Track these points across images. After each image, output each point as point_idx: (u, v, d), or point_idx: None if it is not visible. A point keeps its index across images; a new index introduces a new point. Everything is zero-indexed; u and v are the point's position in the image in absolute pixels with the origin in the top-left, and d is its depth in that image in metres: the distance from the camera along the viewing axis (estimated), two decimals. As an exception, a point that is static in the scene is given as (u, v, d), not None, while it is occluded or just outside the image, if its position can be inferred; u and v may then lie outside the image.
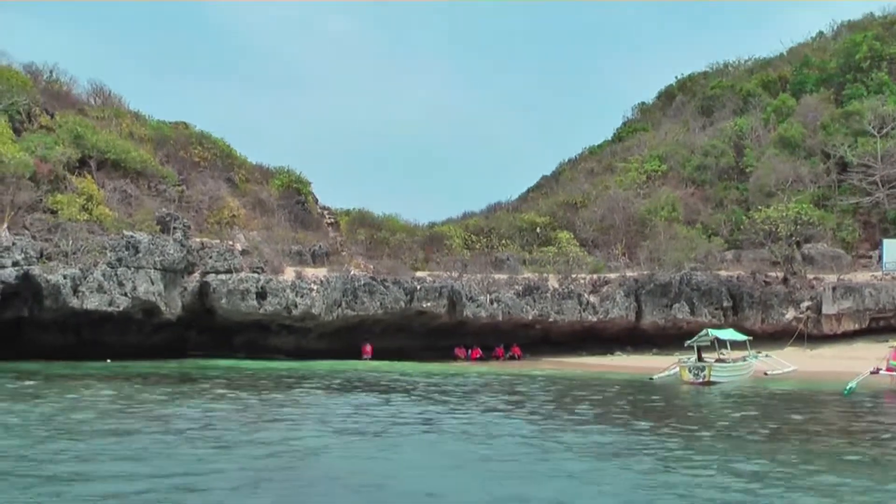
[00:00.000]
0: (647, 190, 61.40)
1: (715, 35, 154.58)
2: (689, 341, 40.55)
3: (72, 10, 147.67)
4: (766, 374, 40.33)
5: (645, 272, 53.82)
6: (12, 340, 44.62)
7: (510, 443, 19.65)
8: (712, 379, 37.18)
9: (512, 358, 52.57)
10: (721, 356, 40.73)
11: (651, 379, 38.60)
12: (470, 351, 52.66)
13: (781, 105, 65.09)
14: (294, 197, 56.32)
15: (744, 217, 56.23)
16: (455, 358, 51.92)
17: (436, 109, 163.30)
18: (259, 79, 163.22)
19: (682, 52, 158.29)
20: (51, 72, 57.33)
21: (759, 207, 55.44)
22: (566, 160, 79.42)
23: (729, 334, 41.85)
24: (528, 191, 77.60)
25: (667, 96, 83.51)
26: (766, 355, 42.87)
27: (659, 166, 63.39)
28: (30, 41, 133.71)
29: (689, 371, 37.94)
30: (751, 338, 43.79)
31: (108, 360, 43.08)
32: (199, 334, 49.77)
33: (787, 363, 42.62)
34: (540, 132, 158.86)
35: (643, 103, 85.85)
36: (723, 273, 53.80)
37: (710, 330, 40.98)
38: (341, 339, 51.58)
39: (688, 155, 64.56)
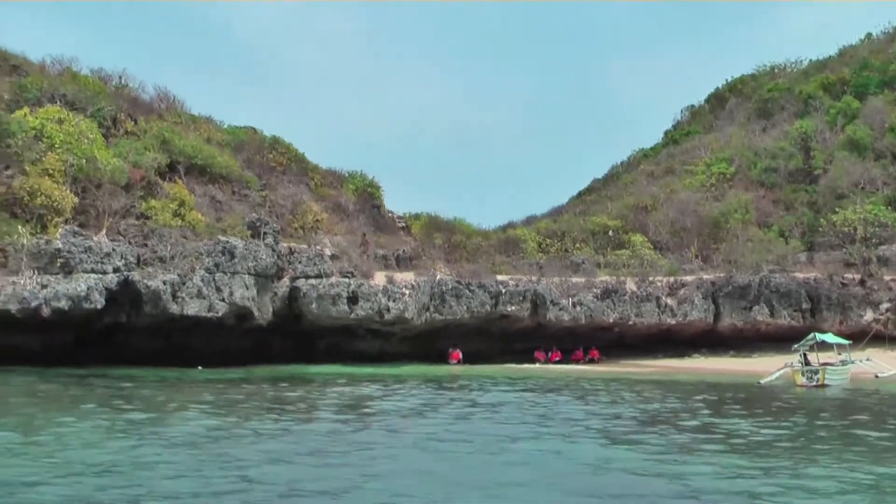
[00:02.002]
0: (715, 193, 61.45)
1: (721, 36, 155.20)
2: (796, 345, 40.62)
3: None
4: (876, 376, 40.32)
5: (721, 275, 53.93)
6: (103, 345, 44.71)
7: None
8: (826, 382, 37.27)
9: (591, 361, 52.67)
10: (812, 358, 40.77)
11: (759, 383, 38.59)
12: (550, 354, 52.63)
13: (846, 107, 65.20)
14: (369, 201, 56.39)
15: (822, 219, 56.27)
16: (535, 361, 51.90)
17: (451, 112, 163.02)
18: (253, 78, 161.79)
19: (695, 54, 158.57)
20: (120, 77, 57.25)
21: (836, 209, 55.59)
22: (618, 163, 79.94)
23: (832, 338, 41.87)
24: (580, 193, 77.85)
25: (717, 98, 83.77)
26: (868, 359, 42.86)
27: (727, 169, 63.49)
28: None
29: (803, 375, 38.01)
30: (851, 342, 43.77)
31: (200, 368, 43.02)
32: (283, 339, 49.67)
33: (886, 365, 42.65)
34: (551, 136, 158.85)
35: (692, 106, 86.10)
36: (799, 275, 53.89)
37: (816, 334, 41.05)
38: (422, 343, 51.57)
39: (753, 157, 64.67)
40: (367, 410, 26.73)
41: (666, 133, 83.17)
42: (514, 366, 48.54)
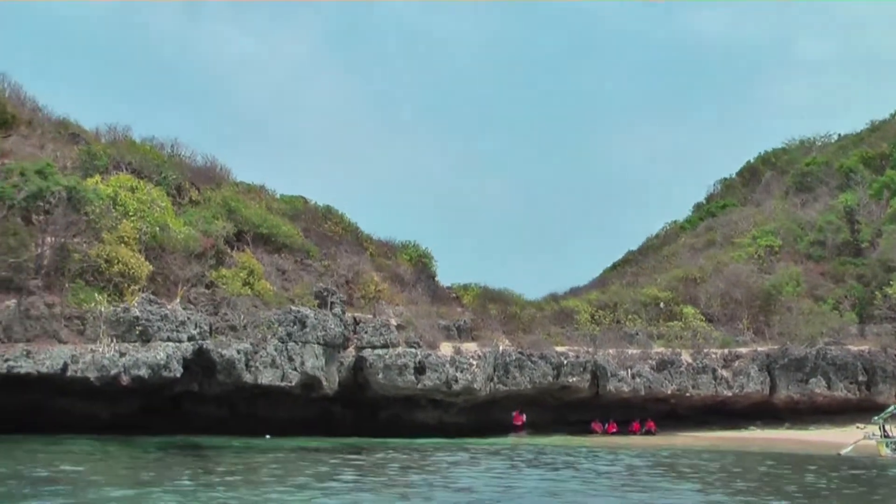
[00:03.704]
0: (763, 265, 61.79)
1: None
2: (876, 417, 40.85)
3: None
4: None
5: (775, 347, 54.09)
6: (169, 414, 44.49)
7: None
8: (910, 454, 37.37)
9: (648, 433, 52.50)
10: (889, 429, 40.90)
11: (839, 454, 38.62)
12: (606, 425, 52.53)
13: (889, 181, 65.86)
14: (423, 271, 56.58)
15: (876, 293, 56.74)
16: (591, 432, 51.81)
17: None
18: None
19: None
20: (172, 146, 57.43)
21: (891, 282, 56.10)
22: (653, 235, 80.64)
23: (910, 410, 42.06)
24: (615, 265, 78.40)
25: (749, 172, 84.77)
26: None
27: (774, 241, 63.95)
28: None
29: (888, 446, 38.14)
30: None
31: (268, 437, 42.86)
32: (344, 408, 49.54)
33: None
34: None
35: (725, 178, 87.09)
36: (852, 347, 54.10)
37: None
38: (478, 413, 51.49)
39: (798, 230, 65.26)
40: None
41: (699, 206, 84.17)
42: (583, 438, 48.53)
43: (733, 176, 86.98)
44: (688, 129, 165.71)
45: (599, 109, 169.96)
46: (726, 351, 54.42)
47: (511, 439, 47.98)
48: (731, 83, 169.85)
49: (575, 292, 66.35)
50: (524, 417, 50.79)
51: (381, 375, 46.47)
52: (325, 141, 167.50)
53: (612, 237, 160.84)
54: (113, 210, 43.37)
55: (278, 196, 57.60)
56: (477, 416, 51.20)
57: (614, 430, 52.33)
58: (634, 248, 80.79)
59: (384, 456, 34.07)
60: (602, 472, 29.38)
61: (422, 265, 57.04)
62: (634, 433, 52.33)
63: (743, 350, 54.49)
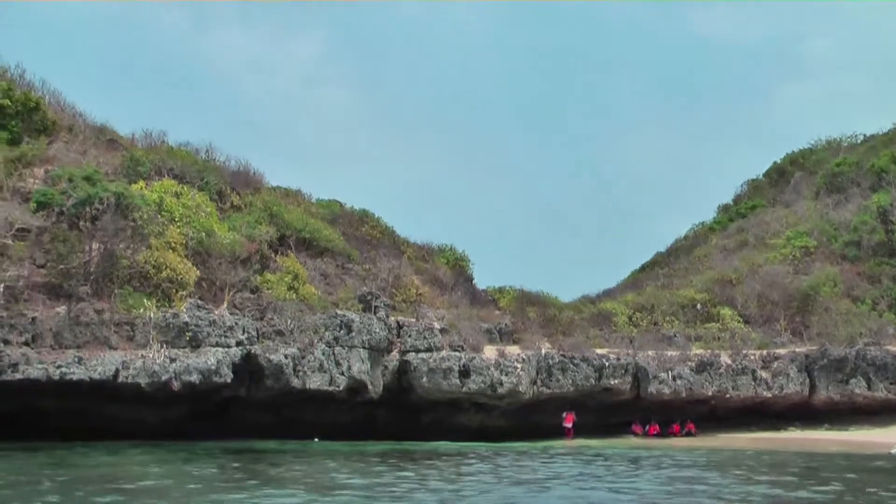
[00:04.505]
0: (798, 266, 61.69)
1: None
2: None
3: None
4: None
5: (814, 347, 54.01)
6: (216, 419, 44.56)
7: None
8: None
9: (688, 434, 52.45)
10: None
11: (891, 452, 38.68)
12: (647, 427, 52.51)
13: (922, 181, 65.83)
14: (462, 274, 56.70)
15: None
16: (633, 434, 51.85)
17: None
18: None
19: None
20: (207, 151, 57.49)
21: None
22: (682, 236, 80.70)
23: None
24: (644, 267, 78.43)
25: (777, 172, 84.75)
26: None
27: (809, 242, 63.85)
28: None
29: (942, 446, 38.22)
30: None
31: (316, 440, 43.10)
32: (388, 412, 49.57)
33: None
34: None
35: (753, 179, 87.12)
36: (890, 348, 54.00)
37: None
38: (519, 416, 51.49)
39: (832, 231, 65.16)
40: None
41: (726, 207, 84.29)
42: (629, 440, 48.78)
43: (760, 177, 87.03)
44: (700, 132, 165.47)
45: (613, 115, 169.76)
46: (765, 352, 54.30)
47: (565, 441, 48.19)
48: (741, 85, 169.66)
49: (608, 294, 66.33)
50: (574, 416, 50.56)
51: (425, 379, 46.54)
52: (345, 146, 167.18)
53: (634, 240, 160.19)
54: (159, 216, 43.51)
55: (314, 200, 57.70)
56: (517, 420, 51.19)
57: (655, 431, 52.30)
58: (662, 249, 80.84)
59: (461, 460, 33.97)
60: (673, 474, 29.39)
61: (459, 268, 57.21)
62: (675, 435, 52.29)
63: (782, 351, 54.38)
